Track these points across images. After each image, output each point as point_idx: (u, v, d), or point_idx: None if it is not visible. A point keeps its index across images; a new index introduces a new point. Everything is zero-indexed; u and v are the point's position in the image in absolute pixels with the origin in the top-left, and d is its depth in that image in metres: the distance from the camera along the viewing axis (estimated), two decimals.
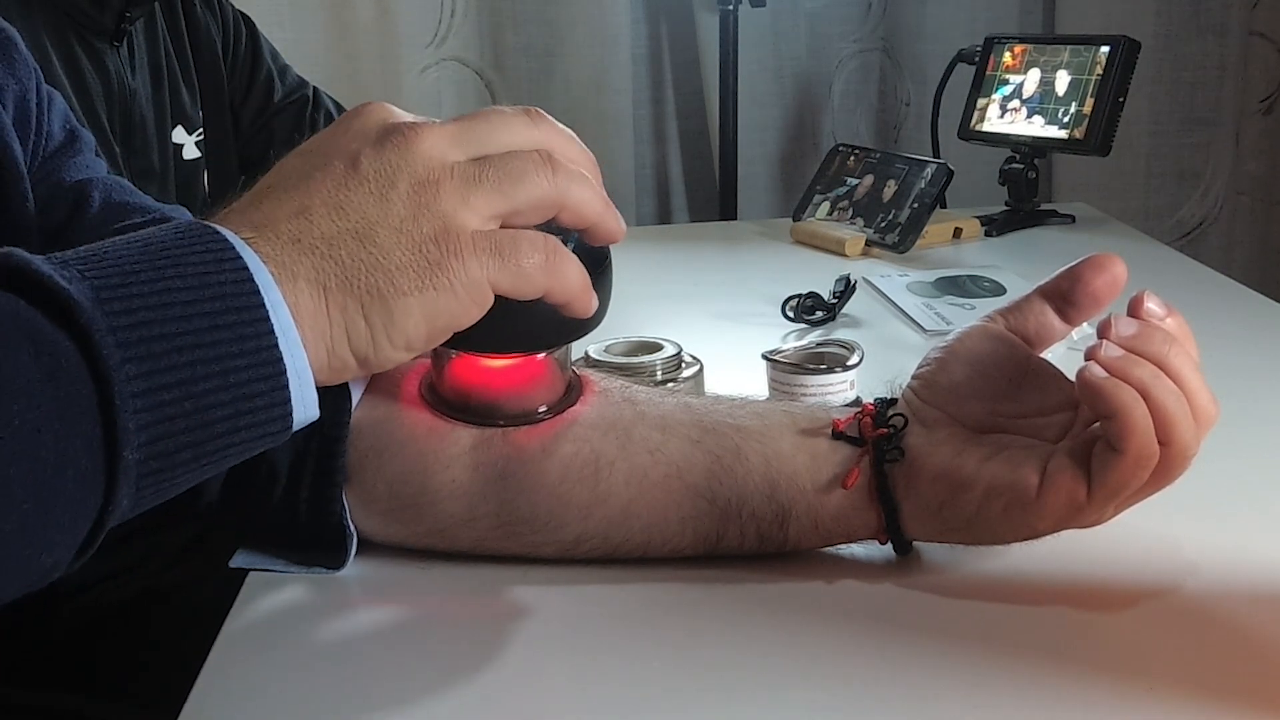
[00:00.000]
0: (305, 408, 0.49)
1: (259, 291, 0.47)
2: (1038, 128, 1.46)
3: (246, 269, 0.47)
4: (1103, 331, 0.60)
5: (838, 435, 0.66)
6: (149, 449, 0.45)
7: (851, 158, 1.47)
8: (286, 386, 0.48)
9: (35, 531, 0.43)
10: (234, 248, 0.48)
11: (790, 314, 1.11)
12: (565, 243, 0.64)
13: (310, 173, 0.51)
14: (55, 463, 0.42)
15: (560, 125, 0.56)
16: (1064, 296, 0.65)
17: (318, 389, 0.66)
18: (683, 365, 0.90)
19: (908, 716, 0.56)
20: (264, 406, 0.47)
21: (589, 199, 0.54)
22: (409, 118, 0.53)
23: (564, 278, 0.54)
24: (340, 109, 1.30)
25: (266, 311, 0.47)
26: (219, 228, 0.48)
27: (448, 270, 0.50)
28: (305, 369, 0.49)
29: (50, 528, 0.43)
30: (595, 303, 0.56)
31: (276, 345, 0.47)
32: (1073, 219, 1.48)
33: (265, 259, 0.48)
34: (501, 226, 0.53)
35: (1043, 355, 0.66)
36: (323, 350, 0.50)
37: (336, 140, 0.53)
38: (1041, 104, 1.46)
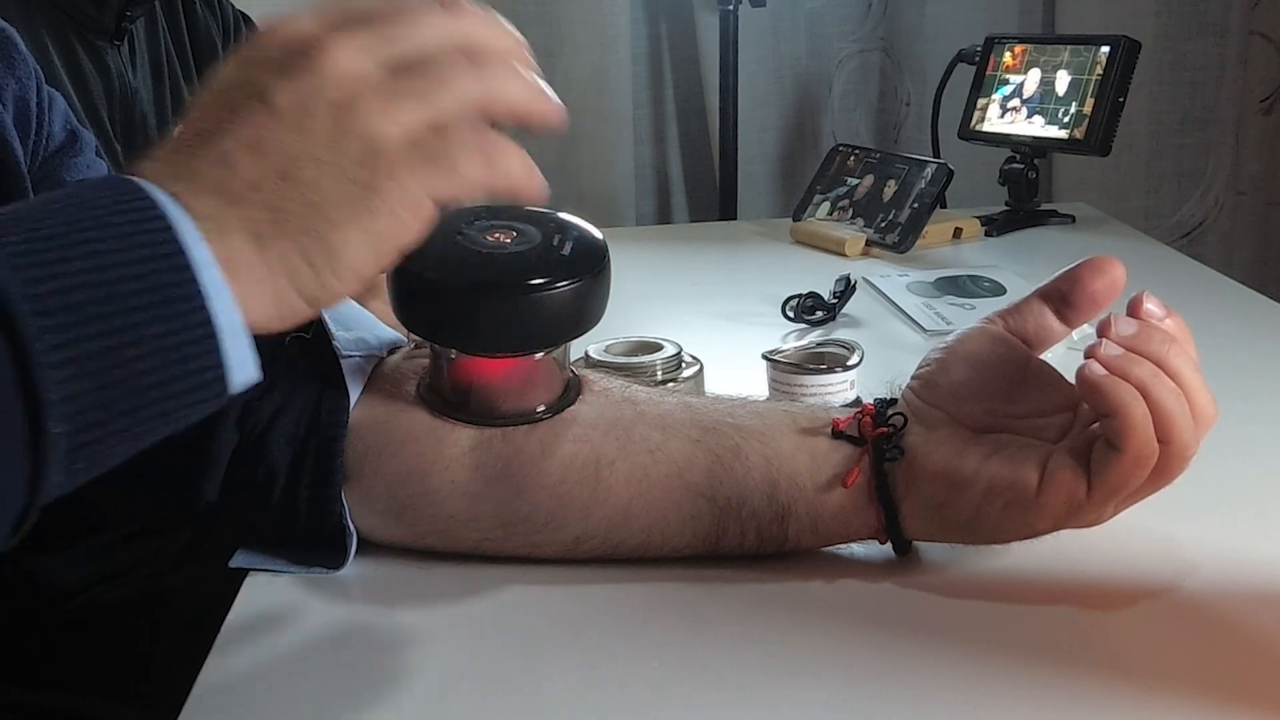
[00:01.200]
0: (244, 370, 0.46)
1: (184, 251, 0.45)
2: (1038, 128, 1.46)
3: (170, 228, 0.45)
4: (1102, 331, 0.60)
5: (838, 434, 0.66)
6: (77, 420, 0.42)
7: (851, 158, 1.47)
8: (218, 349, 0.45)
9: None
10: (158, 205, 0.45)
11: (790, 314, 1.11)
12: (565, 242, 0.65)
13: (225, 113, 0.48)
14: None
15: (479, 10, 0.52)
16: (1063, 298, 0.65)
17: (319, 387, 0.67)
18: (683, 365, 0.90)
19: (908, 716, 0.56)
20: (197, 370, 0.45)
21: (519, 91, 0.51)
22: (312, 28, 0.50)
23: (505, 170, 0.51)
24: None
25: (193, 272, 0.44)
26: (143, 184, 0.46)
27: (382, 192, 0.48)
28: (239, 329, 0.46)
29: None
30: (544, 185, 0.53)
31: (204, 306, 0.44)
32: (1073, 219, 1.48)
33: (193, 214, 0.46)
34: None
35: (1042, 356, 0.66)
36: (268, 302, 0.47)
37: (246, 72, 0.49)
38: (1041, 104, 1.46)
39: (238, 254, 0.46)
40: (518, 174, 0.51)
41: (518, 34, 0.53)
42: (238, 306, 0.46)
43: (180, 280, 0.44)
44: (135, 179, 0.46)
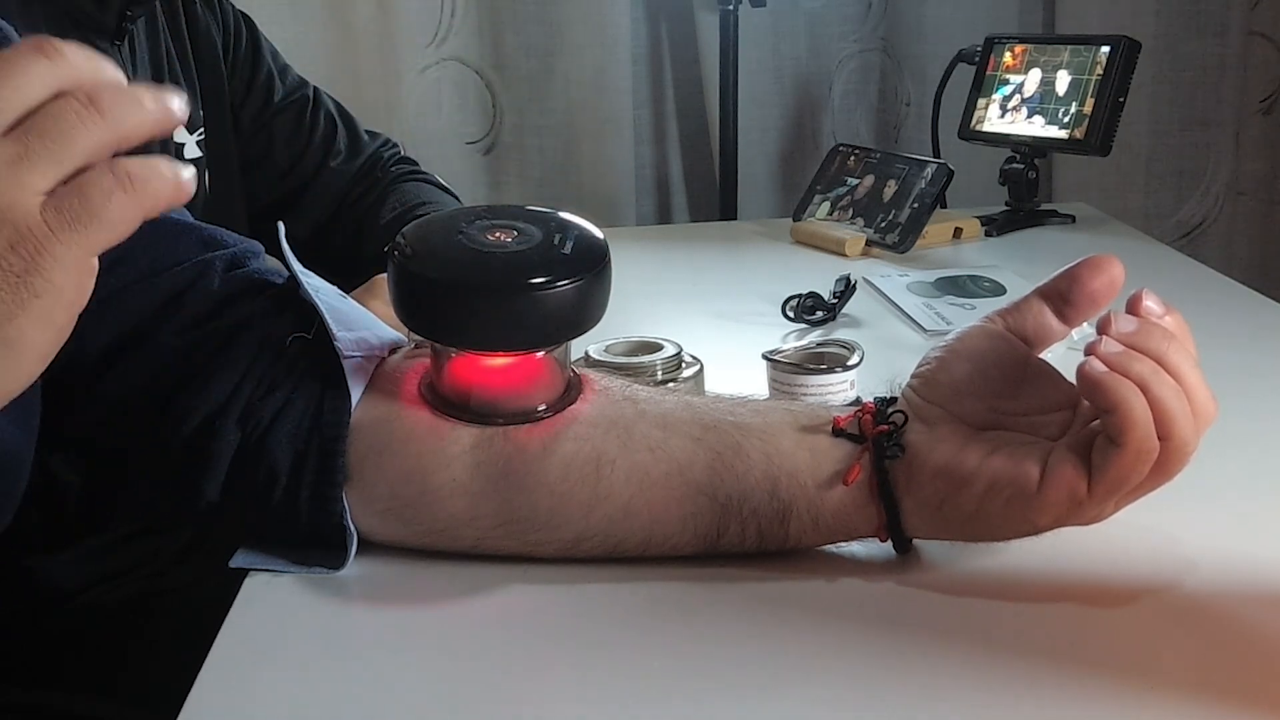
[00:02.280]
0: None
1: None
2: (1038, 128, 1.46)
3: None
4: (1102, 328, 0.60)
5: (838, 432, 0.66)
6: None
7: (851, 158, 1.47)
8: None
9: None
10: None
11: (790, 314, 1.11)
12: (565, 241, 0.65)
13: None
14: None
15: (71, 46, 0.47)
16: (1062, 297, 0.65)
17: (320, 387, 0.67)
18: (683, 365, 0.90)
19: (908, 715, 0.56)
20: None
21: (141, 120, 0.47)
22: None
23: (154, 194, 0.47)
24: (340, 109, 1.30)
25: None
26: None
27: (40, 271, 0.45)
28: None
29: None
30: (191, 187, 0.48)
31: None
32: (1073, 219, 1.48)
33: None
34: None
35: (1042, 355, 0.66)
36: None
37: None
38: (1042, 104, 1.46)
39: None
40: (167, 191, 0.47)
41: (108, 62, 0.48)
42: None
43: None
44: None
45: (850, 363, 0.88)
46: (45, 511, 0.91)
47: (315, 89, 1.29)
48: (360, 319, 0.71)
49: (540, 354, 0.66)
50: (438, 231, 0.67)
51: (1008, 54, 1.51)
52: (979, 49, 1.54)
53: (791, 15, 1.99)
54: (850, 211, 1.40)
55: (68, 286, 0.46)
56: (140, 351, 0.67)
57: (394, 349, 0.72)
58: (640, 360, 0.88)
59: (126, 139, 0.47)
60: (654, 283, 1.29)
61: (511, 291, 0.63)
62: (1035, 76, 1.47)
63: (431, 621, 0.65)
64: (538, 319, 0.63)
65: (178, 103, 0.48)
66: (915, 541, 0.67)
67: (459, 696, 0.58)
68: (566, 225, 0.66)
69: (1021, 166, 1.48)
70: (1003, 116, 1.50)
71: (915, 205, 1.34)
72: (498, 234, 0.65)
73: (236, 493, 0.67)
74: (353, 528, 0.67)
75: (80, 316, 0.49)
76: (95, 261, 0.47)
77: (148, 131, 0.47)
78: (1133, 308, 0.61)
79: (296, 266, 0.70)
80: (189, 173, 0.48)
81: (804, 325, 1.10)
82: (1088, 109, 1.41)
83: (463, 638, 0.63)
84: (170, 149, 1.13)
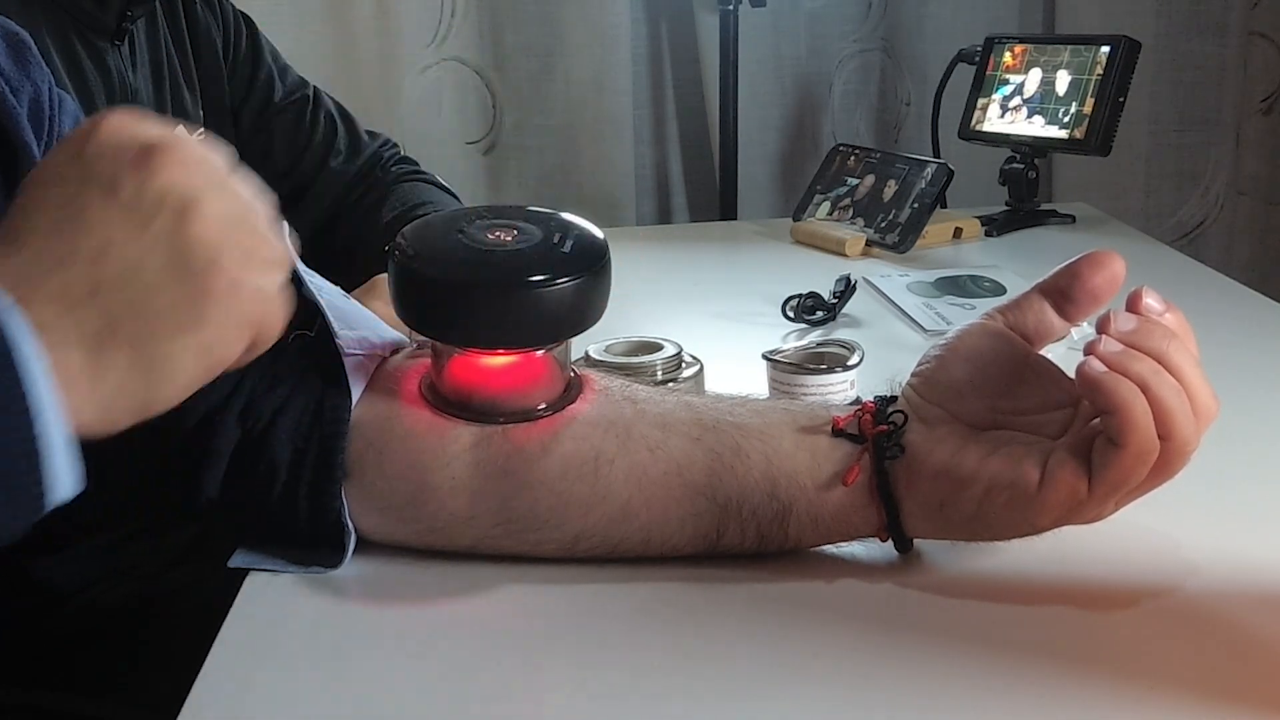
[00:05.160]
0: (64, 486, 0.46)
1: (16, 366, 0.44)
2: (1038, 128, 1.46)
3: (6, 342, 0.44)
4: (1102, 327, 0.60)
5: (838, 433, 0.66)
6: None
7: (851, 158, 1.47)
8: (40, 467, 0.44)
9: None
10: None
11: (790, 314, 1.11)
12: (565, 240, 0.65)
13: (66, 207, 0.48)
14: None
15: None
16: (1063, 293, 0.65)
17: (321, 385, 0.67)
18: (683, 365, 0.90)
19: (908, 715, 0.56)
20: (21, 487, 0.44)
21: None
22: (155, 130, 0.50)
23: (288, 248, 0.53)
24: (340, 109, 1.30)
25: (24, 388, 0.44)
26: None
27: (219, 305, 0.48)
28: (65, 444, 0.45)
29: None
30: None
31: (32, 423, 0.44)
32: (1073, 219, 1.48)
33: (33, 324, 0.45)
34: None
35: (1042, 353, 0.66)
36: (96, 412, 0.47)
37: (89, 164, 0.49)
38: (1042, 104, 1.46)
39: (73, 362, 0.46)
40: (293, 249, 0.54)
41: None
42: (67, 419, 0.45)
43: (12, 396, 0.43)
44: None
45: (850, 363, 0.88)
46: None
47: (315, 89, 1.29)
48: (362, 318, 0.71)
49: (540, 353, 0.66)
50: (438, 231, 0.67)
51: (1008, 54, 1.51)
52: (979, 49, 1.54)
53: (791, 15, 1.99)
54: (850, 211, 1.40)
55: (230, 330, 0.49)
56: None
57: (395, 349, 0.72)
58: (640, 360, 0.88)
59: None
60: (654, 283, 1.29)
61: (511, 290, 0.63)
62: (1035, 76, 1.47)
63: (431, 621, 0.65)
64: (537, 317, 0.63)
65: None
66: (915, 541, 0.67)
67: (458, 696, 0.58)
68: (566, 225, 0.66)
69: (1021, 166, 1.48)
70: (1003, 116, 1.50)
71: (915, 205, 1.34)
72: (498, 233, 0.65)
73: (236, 489, 0.67)
74: (351, 525, 0.67)
75: None
76: (251, 332, 0.51)
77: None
78: (1133, 306, 0.61)
79: (299, 265, 0.70)
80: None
81: (804, 325, 1.10)
82: (1088, 109, 1.41)
83: (462, 637, 0.63)
84: None
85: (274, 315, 0.51)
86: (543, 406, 0.67)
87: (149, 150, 0.49)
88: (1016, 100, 1.49)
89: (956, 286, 1.21)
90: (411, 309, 0.66)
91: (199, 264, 0.48)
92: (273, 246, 0.51)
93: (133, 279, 0.47)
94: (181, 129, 0.51)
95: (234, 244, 0.49)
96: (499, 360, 0.66)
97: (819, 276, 1.18)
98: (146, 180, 0.48)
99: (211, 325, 0.48)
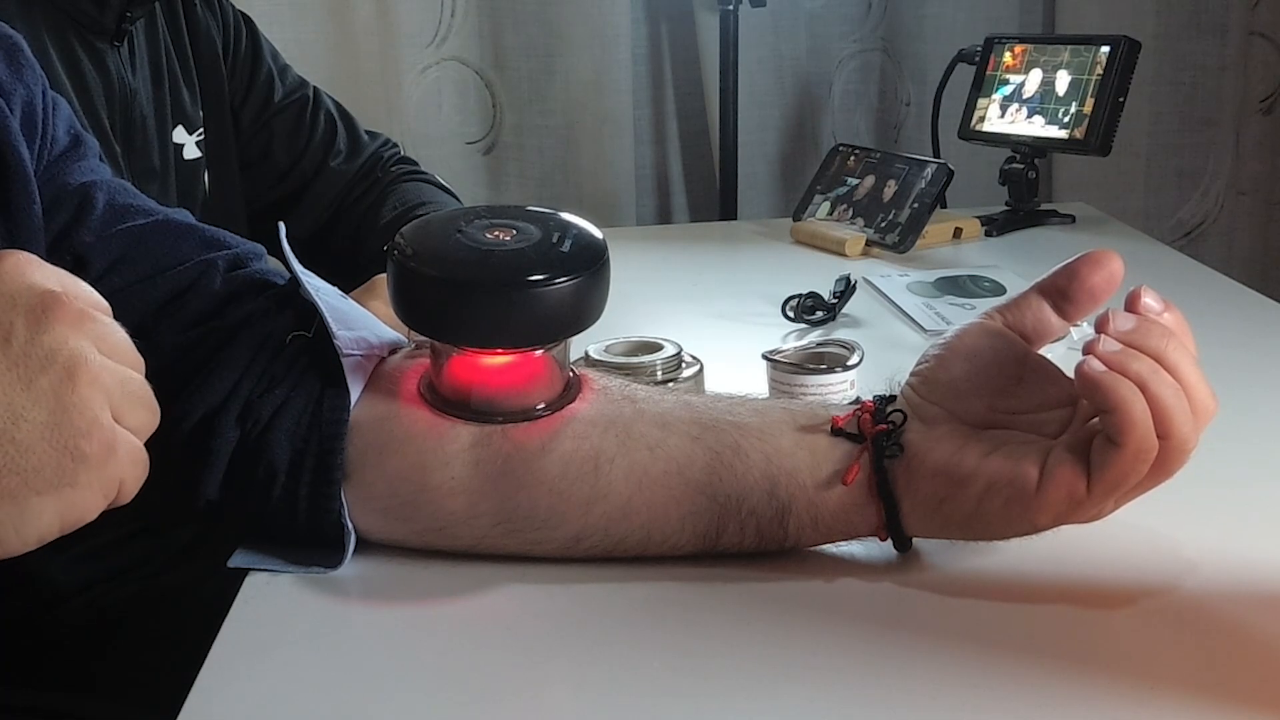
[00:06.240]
0: None
1: None
2: (1038, 128, 1.46)
3: None
4: (1101, 326, 0.60)
5: (837, 432, 0.66)
6: None
7: (851, 158, 1.47)
8: None
9: None
10: None
11: (790, 314, 1.11)
12: (564, 239, 0.65)
13: None
14: None
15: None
16: (1061, 293, 0.65)
17: (320, 385, 0.67)
18: (683, 365, 0.90)
19: (908, 715, 0.56)
20: None
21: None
22: (53, 278, 0.50)
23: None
24: (340, 109, 1.30)
25: None
26: None
27: (92, 467, 0.49)
28: None
29: None
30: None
31: None
32: (1073, 219, 1.48)
33: None
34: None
35: (1041, 353, 0.66)
36: None
37: None
38: (1042, 104, 1.46)
39: None
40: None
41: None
42: None
43: None
44: None
45: (850, 363, 0.88)
46: None
47: (315, 89, 1.29)
48: (360, 319, 0.71)
49: (539, 352, 0.66)
50: (437, 231, 0.67)
51: (1008, 54, 1.51)
52: (979, 49, 1.54)
53: (791, 15, 1.99)
54: (850, 211, 1.40)
55: (96, 494, 0.50)
56: (141, 349, 0.67)
57: (394, 349, 0.72)
58: (640, 360, 0.88)
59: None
60: (654, 283, 1.29)
61: (510, 289, 0.63)
62: (1035, 76, 1.47)
63: (431, 621, 0.65)
64: (536, 317, 0.63)
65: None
66: (914, 541, 0.67)
67: (458, 696, 0.58)
68: (566, 224, 0.66)
69: (1021, 166, 1.48)
70: (1003, 116, 1.50)
71: (915, 205, 1.34)
72: (497, 233, 0.65)
73: (236, 490, 0.67)
74: (351, 526, 0.67)
75: None
76: (113, 495, 0.51)
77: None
78: (1131, 305, 0.61)
79: (297, 266, 0.70)
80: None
81: (804, 325, 1.10)
82: (1088, 109, 1.41)
83: (462, 638, 0.63)
84: (170, 149, 1.13)
85: (138, 476, 0.52)
86: (542, 406, 0.67)
87: (44, 302, 0.49)
88: (1016, 100, 1.49)
89: (956, 286, 1.21)
90: (410, 309, 0.66)
91: (80, 426, 0.48)
92: (148, 406, 0.52)
93: (11, 431, 0.47)
94: (77, 281, 0.51)
95: (116, 405, 0.50)
96: (498, 360, 0.66)
97: (819, 276, 1.18)
98: (38, 334, 0.48)
99: (80, 487, 0.49)
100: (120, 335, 0.52)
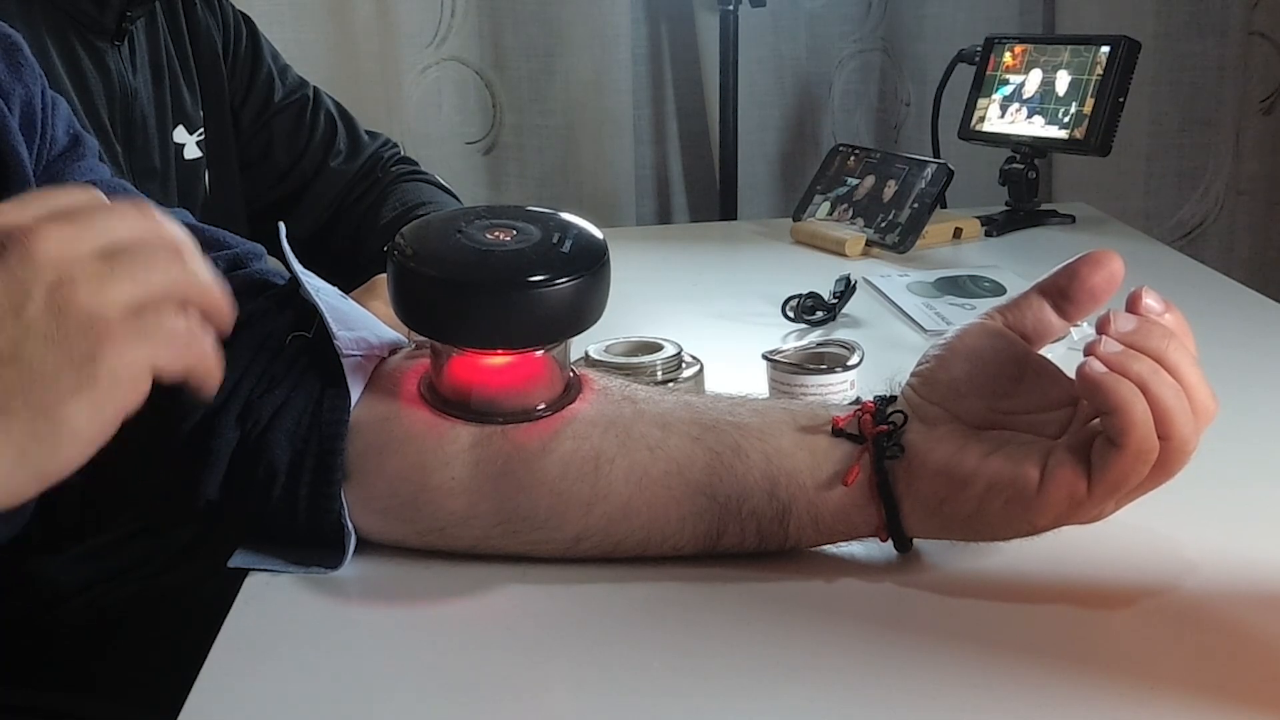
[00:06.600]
0: None
1: None
2: (1038, 128, 1.46)
3: None
4: (1101, 327, 0.60)
5: (838, 432, 0.66)
6: None
7: (851, 158, 1.47)
8: None
9: None
10: None
11: (790, 314, 1.11)
12: (564, 240, 0.65)
13: None
14: None
15: (161, 213, 0.54)
16: (1062, 293, 0.65)
17: (320, 385, 0.67)
18: (683, 365, 0.90)
19: (908, 715, 0.56)
20: None
21: (208, 282, 0.54)
22: (19, 217, 0.51)
23: (202, 352, 0.53)
24: (340, 109, 1.30)
25: None
26: None
27: (102, 359, 0.49)
28: None
29: None
30: (219, 370, 0.54)
31: None
32: (1073, 219, 1.48)
33: None
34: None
35: (1042, 354, 0.66)
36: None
37: None
38: (1042, 104, 1.46)
39: None
40: (210, 358, 0.54)
41: (184, 235, 0.54)
42: None
43: None
44: None
45: (850, 363, 0.88)
46: (45, 511, 0.91)
47: (315, 89, 1.29)
48: (360, 319, 0.71)
49: (539, 353, 0.66)
50: (437, 231, 0.67)
51: (1008, 54, 1.51)
52: (979, 49, 1.54)
53: (791, 15, 1.99)
54: (850, 211, 1.40)
55: (122, 383, 0.50)
56: None
57: (394, 349, 0.72)
58: (640, 360, 0.88)
59: (194, 289, 0.53)
60: (654, 283, 1.29)
61: (510, 289, 0.63)
62: (1035, 76, 1.48)
63: (431, 621, 0.65)
64: (536, 317, 0.63)
65: (226, 299, 0.54)
66: (915, 541, 0.67)
67: (458, 696, 0.58)
68: (566, 225, 0.66)
69: (1021, 166, 1.48)
70: (1003, 116, 1.50)
71: (915, 205, 1.34)
72: (497, 233, 0.65)
73: (236, 490, 0.67)
74: (351, 526, 0.67)
75: None
76: (148, 380, 0.51)
77: (209, 293, 0.54)
78: (1132, 306, 0.61)
79: (297, 266, 0.70)
80: (218, 369, 0.54)
81: (804, 325, 1.10)
82: (1088, 109, 1.41)
83: (462, 638, 0.63)
84: (170, 149, 1.13)
85: (182, 344, 0.52)
86: (542, 406, 0.67)
87: (7, 239, 0.49)
88: (1016, 101, 1.49)
89: (956, 286, 1.21)
90: (410, 309, 0.66)
91: (76, 328, 0.49)
92: (161, 325, 0.51)
93: (15, 354, 0.48)
94: (52, 196, 0.52)
95: (113, 299, 0.50)
96: (498, 360, 0.66)
97: (819, 276, 1.18)
98: (12, 270, 0.49)
99: (102, 383, 0.49)
100: (83, 196, 0.52)
